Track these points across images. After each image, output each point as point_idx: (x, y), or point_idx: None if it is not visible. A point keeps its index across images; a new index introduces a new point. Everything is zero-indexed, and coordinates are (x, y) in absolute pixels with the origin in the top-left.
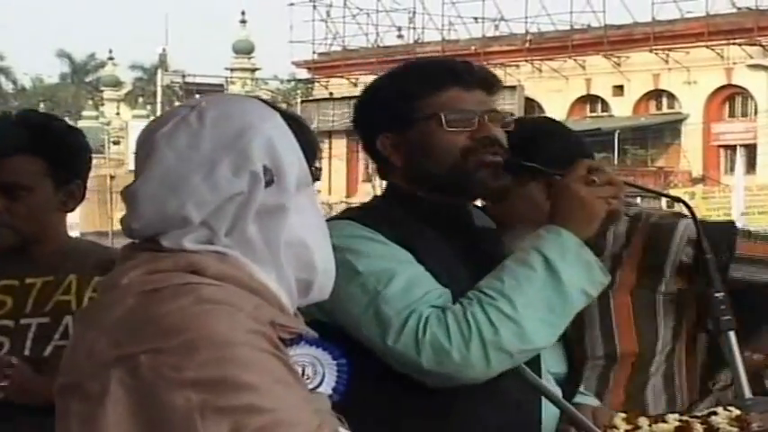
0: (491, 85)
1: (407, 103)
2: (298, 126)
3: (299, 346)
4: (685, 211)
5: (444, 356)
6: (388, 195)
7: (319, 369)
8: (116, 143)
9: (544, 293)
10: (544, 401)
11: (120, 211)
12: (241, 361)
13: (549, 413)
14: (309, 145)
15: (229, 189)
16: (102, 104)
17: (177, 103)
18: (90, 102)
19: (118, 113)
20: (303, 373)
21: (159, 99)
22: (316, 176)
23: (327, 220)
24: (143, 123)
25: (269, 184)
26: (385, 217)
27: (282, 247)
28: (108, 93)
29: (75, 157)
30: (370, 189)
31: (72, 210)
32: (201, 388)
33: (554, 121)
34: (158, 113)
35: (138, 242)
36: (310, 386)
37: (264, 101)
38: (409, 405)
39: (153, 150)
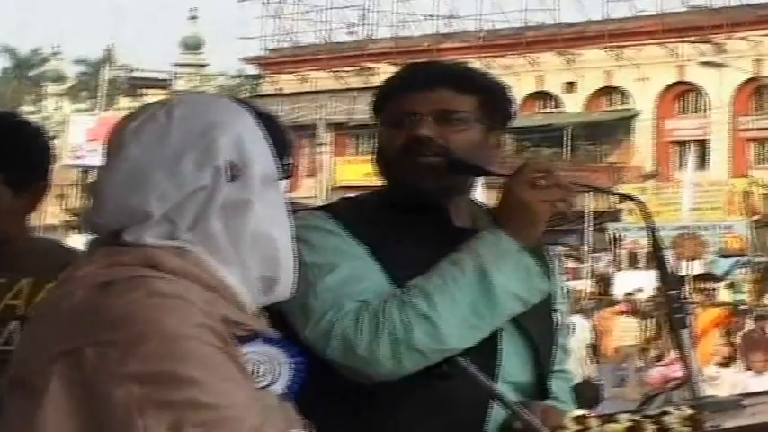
0: (443, 81)
1: (377, 107)
2: (271, 123)
3: (254, 344)
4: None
5: (350, 350)
6: (378, 191)
7: (273, 367)
8: (55, 138)
9: (470, 296)
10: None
11: (52, 206)
12: (186, 355)
13: (501, 415)
14: (282, 142)
15: (192, 183)
16: (45, 99)
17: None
18: (29, 97)
19: (58, 108)
20: (257, 371)
21: (103, 93)
22: (288, 173)
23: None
24: (84, 117)
25: (234, 179)
26: (359, 211)
27: (247, 243)
28: (50, 87)
29: (36, 162)
30: (314, 184)
31: (33, 210)
32: (144, 381)
33: None
34: (101, 107)
35: (101, 237)
36: (263, 384)
37: (237, 99)
38: (354, 402)
39: (120, 146)
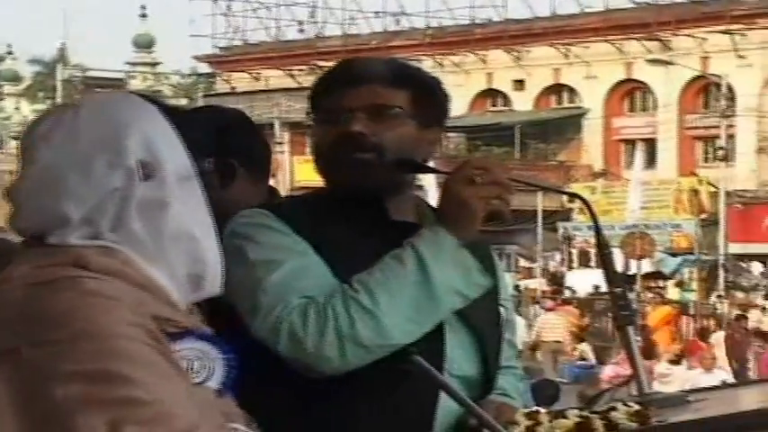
0: (375, 76)
1: (314, 102)
2: (188, 121)
3: (187, 341)
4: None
5: (298, 346)
6: (319, 189)
7: (207, 363)
8: (15, 138)
9: (411, 291)
10: (444, 398)
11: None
12: (121, 354)
13: (447, 410)
14: (200, 140)
15: (106, 185)
16: (3, 99)
17: (77, 98)
18: None
19: (17, 108)
20: (191, 368)
21: (59, 93)
22: (225, 172)
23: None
24: None
25: (147, 178)
26: (302, 208)
27: (168, 240)
28: (7, 87)
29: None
30: (273, 184)
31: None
32: (80, 380)
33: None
34: None
35: (27, 240)
36: (197, 380)
37: (146, 96)
38: (304, 396)
39: (31, 150)
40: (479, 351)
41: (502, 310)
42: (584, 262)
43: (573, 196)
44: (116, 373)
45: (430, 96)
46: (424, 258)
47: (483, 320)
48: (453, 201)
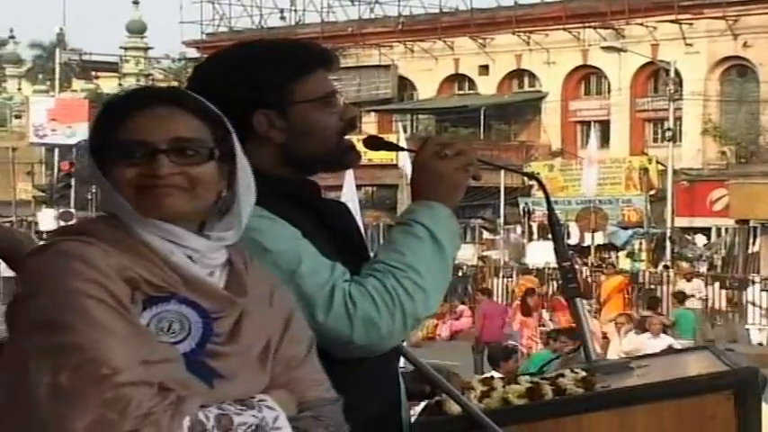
0: (336, 63)
1: (284, 84)
2: None
3: (169, 303)
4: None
5: (373, 329)
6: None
7: (186, 325)
8: (18, 117)
9: (435, 262)
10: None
11: (22, 182)
12: (70, 307)
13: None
14: None
15: None
16: (5, 81)
17: (75, 80)
18: None
19: (20, 89)
20: (168, 328)
21: (57, 75)
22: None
23: None
24: (43, 98)
25: None
26: (270, 200)
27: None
28: (10, 70)
29: None
30: None
31: None
32: (34, 330)
33: None
34: (57, 89)
35: None
36: (173, 340)
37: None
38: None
39: None
40: None
41: None
42: (543, 234)
43: (530, 177)
44: (61, 322)
45: None
46: (434, 231)
47: None
48: (432, 176)
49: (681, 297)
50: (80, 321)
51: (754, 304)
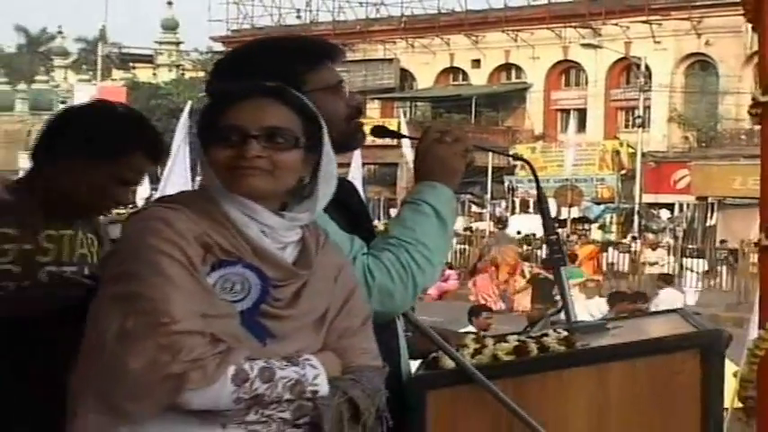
0: (342, 56)
1: (298, 74)
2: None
3: (236, 267)
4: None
5: (388, 298)
6: None
7: (246, 287)
8: (63, 103)
9: (440, 237)
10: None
11: None
12: (143, 260)
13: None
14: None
15: None
16: (53, 71)
17: (114, 70)
18: (42, 68)
19: (65, 78)
20: (231, 288)
21: (99, 66)
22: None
23: None
24: (86, 86)
25: None
26: None
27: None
28: (57, 61)
29: None
30: None
31: None
32: (113, 280)
33: None
34: (98, 78)
35: None
36: (235, 299)
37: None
38: None
39: None
40: None
41: None
42: (524, 209)
43: (518, 159)
44: (134, 273)
45: None
46: (438, 209)
47: None
48: (435, 161)
49: (668, 279)
50: (150, 274)
51: (691, 270)
